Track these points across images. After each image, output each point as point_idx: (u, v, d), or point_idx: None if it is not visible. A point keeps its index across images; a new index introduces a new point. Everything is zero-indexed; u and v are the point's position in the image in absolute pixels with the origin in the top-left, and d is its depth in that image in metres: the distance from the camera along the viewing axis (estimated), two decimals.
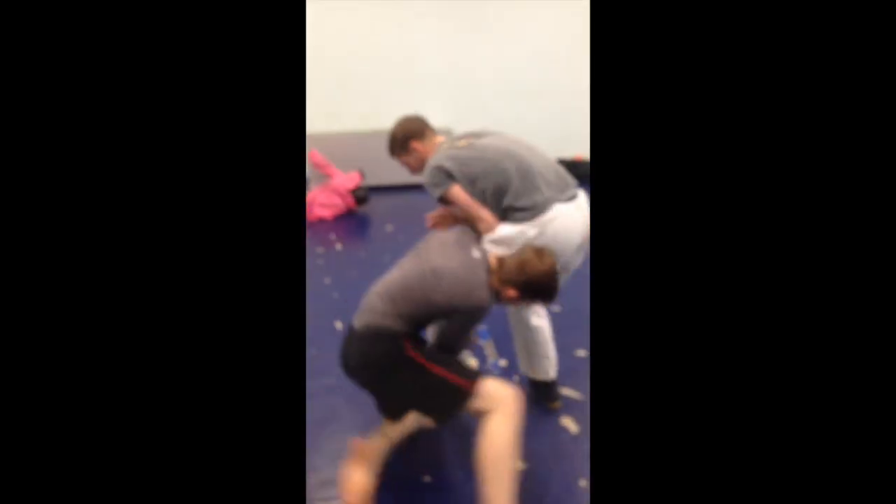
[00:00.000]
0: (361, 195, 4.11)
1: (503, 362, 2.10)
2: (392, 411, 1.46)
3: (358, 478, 1.46)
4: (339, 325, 2.40)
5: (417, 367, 1.31)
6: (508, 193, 1.51)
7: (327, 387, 1.96)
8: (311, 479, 1.55)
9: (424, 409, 1.35)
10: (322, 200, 4.03)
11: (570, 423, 1.76)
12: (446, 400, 1.29)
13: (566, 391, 1.91)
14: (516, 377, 2.00)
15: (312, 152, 4.29)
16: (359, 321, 1.38)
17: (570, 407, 1.83)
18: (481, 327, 2.22)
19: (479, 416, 1.31)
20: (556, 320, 2.43)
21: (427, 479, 1.54)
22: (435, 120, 4.66)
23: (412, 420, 1.54)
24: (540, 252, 1.42)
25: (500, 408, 1.28)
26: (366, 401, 1.90)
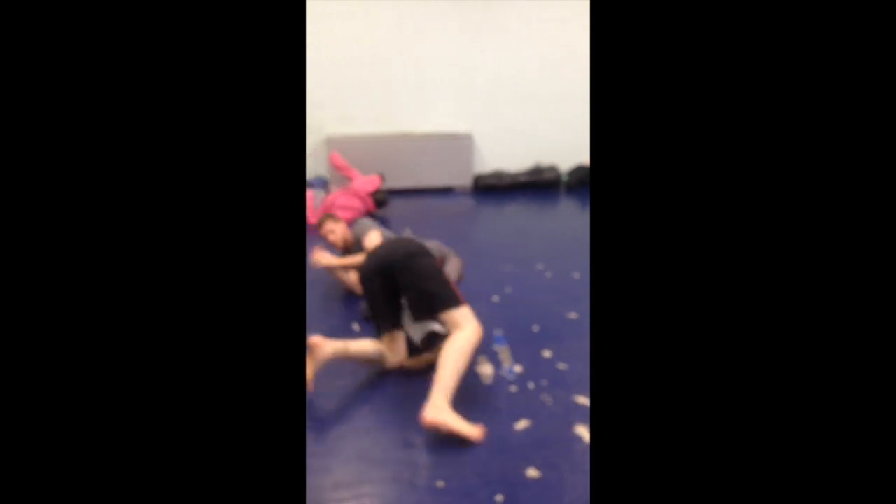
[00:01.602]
0: (381, 198, 4.13)
1: (518, 368, 2.10)
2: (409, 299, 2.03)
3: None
4: (356, 326, 2.42)
5: (438, 269, 2.00)
6: None
7: (341, 388, 1.98)
8: (326, 481, 1.57)
9: (430, 295, 1.89)
10: (342, 203, 4.06)
11: (584, 432, 1.75)
12: (446, 298, 1.88)
13: (580, 399, 1.90)
14: (531, 384, 2.00)
15: (333, 154, 4.33)
16: (400, 239, 2.23)
17: (584, 415, 1.82)
18: (498, 333, 2.23)
19: (452, 328, 1.85)
20: (562, 326, 2.42)
21: (440, 484, 1.55)
22: (448, 125, 4.69)
23: (371, 346, 2.01)
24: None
25: (468, 326, 1.83)
26: (379, 402, 1.92)
